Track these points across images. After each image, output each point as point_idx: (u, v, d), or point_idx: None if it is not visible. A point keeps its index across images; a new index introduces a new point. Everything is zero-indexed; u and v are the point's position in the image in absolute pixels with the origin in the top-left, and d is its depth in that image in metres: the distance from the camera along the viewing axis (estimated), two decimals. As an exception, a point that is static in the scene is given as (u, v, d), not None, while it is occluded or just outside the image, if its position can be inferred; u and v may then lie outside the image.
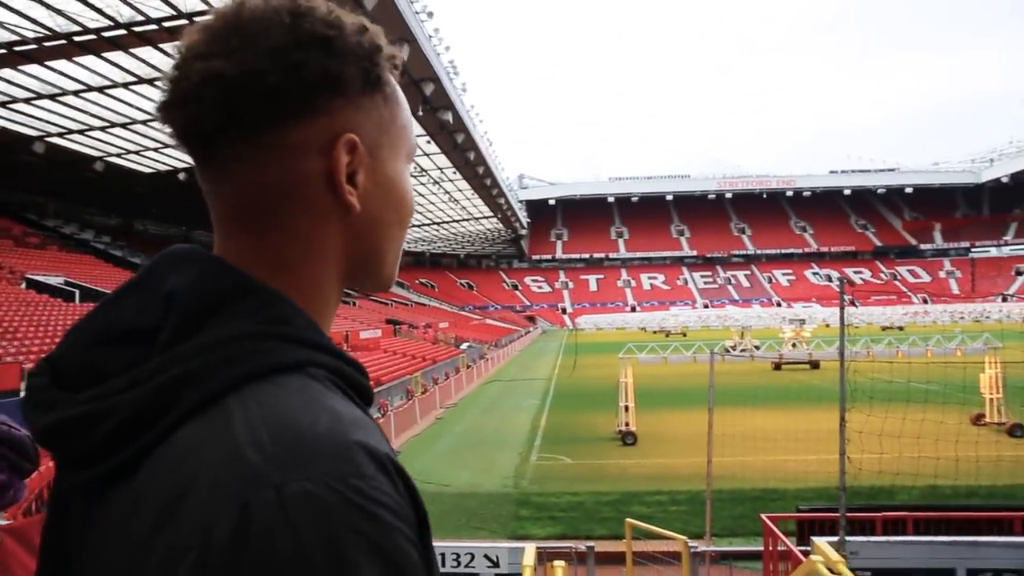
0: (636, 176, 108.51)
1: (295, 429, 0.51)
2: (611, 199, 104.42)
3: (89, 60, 20.69)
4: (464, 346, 46.00)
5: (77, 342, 0.61)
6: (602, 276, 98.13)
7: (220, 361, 0.55)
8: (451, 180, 43.96)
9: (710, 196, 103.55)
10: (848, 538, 4.95)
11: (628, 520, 8.07)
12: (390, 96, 0.70)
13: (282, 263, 0.65)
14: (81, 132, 27.26)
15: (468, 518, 11.48)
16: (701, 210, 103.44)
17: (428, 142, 33.90)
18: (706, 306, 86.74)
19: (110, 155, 30.81)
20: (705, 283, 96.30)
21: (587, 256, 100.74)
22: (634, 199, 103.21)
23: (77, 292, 24.40)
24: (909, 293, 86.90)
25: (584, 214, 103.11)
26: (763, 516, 7.92)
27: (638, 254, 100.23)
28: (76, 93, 23.15)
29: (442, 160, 38.22)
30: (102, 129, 27.22)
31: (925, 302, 79.77)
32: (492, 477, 14.23)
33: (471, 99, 35.24)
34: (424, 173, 41.03)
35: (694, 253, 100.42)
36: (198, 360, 0.55)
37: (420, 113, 28.76)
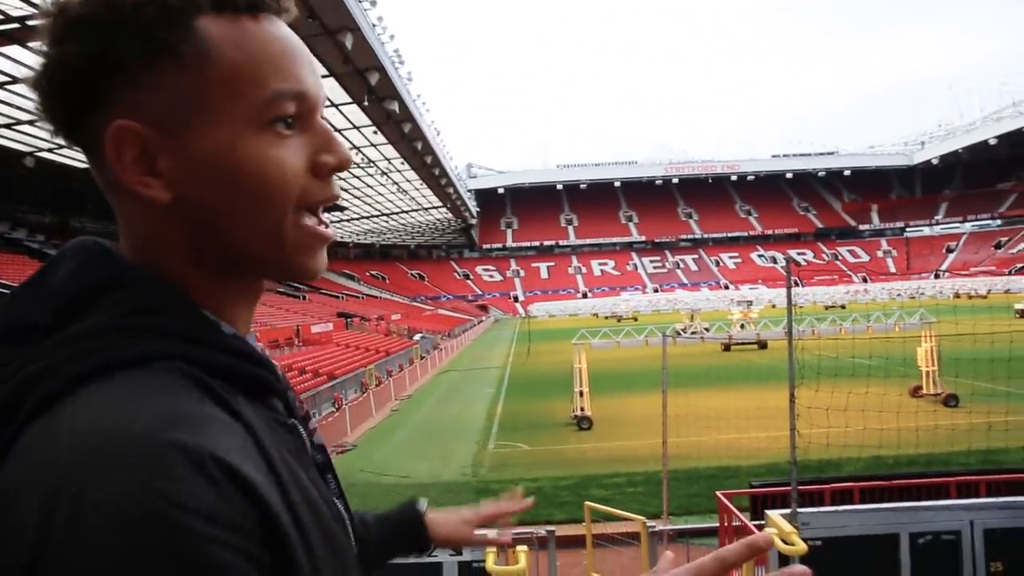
0: (584, 163, 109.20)
1: (107, 432, 0.48)
2: (560, 187, 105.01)
3: (12, 50, 19.82)
4: (417, 337, 45.79)
5: None
6: (553, 263, 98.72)
7: (68, 358, 0.54)
8: (399, 171, 43.60)
9: (657, 182, 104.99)
10: (799, 510, 5.14)
11: (587, 503, 8.18)
12: (194, 57, 0.59)
13: (144, 254, 0.64)
14: (7, 127, 26.15)
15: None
16: (649, 196, 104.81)
17: (375, 132, 33.54)
18: (656, 290, 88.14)
19: (41, 150, 29.65)
20: (654, 268, 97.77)
21: (537, 244, 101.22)
22: (583, 186, 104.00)
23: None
24: (849, 272, 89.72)
25: (533, 202, 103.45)
26: (717, 493, 8.12)
27: (588, 240, 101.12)
28: (1, 85, 22.21)
29: (389, 151, 37.86)
30: (30, 123, 26.16)
31: (865, 281, 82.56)
32: (451, 466, 14.26)
33: (417, 88, 34.95)
34: (372, 164, 40.59)
35: (643, 238, 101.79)
36: (55, 355, 0.54)
37: (366, 103, 28.45)
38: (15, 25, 18.08)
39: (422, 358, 37.87)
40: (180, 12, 0.59)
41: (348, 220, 61.82)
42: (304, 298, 51.58)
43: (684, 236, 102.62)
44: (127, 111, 0.59)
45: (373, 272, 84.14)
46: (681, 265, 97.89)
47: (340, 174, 0.70)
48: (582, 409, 17.41)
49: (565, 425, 17.56)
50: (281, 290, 51.89)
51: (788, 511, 5.16)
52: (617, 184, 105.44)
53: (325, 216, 0.69)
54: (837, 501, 6.77)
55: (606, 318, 60.92)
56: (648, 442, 12.90)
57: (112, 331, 0.56)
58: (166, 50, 0.59)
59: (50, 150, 29.93)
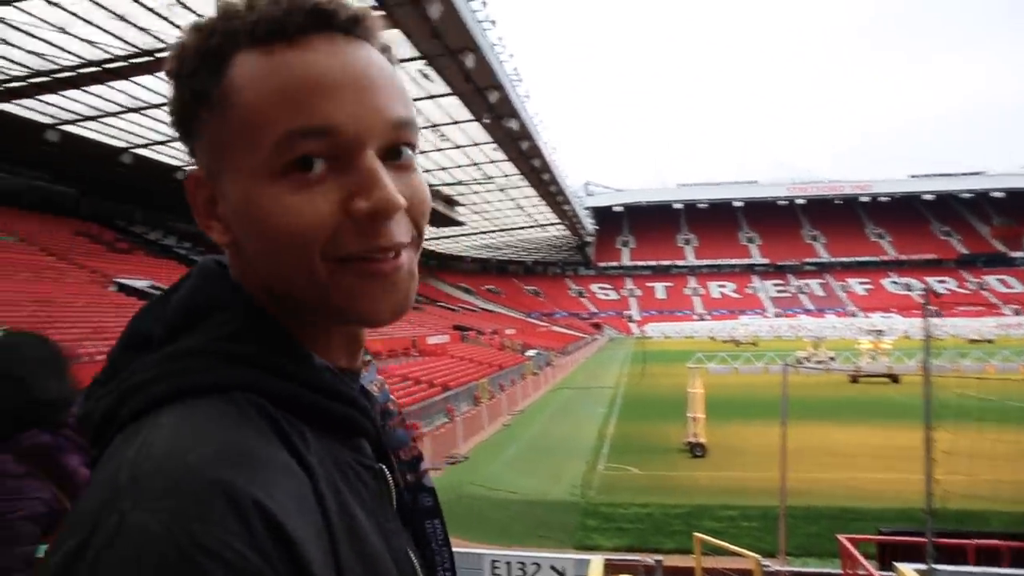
0: (704, 182, 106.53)
1: (164, 459, 0.48)
2: (678, 206, 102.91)
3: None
4: (531, 353, 45.96)
5: (115, 345, 0.64)
6: (670, 284, 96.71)
7: (160, 375, 0.56)
8: (517, 187, 44.11)
9: (780, 202, 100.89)
10: (936, 566, 4.70)
11: (697, 535, 7.91)
12: (220, 102, 0.58)
13: (242, 280, 0.64)
14: (164, 143, 28.47)
15: (535, 526, 11.45)
16: (771, 217, 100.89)
17: (495, 149, 34.13)
18: (778, 315, 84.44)
19: (190, 164, 32.09)
20: (777, 291, 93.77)
21: (654, 263, 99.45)
22: (701, 205, 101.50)
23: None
24: (999, 303, 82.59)
25: (651, 221, 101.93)
26: (840, 537, 7.65)
27: (706, 261, 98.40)
28: (159, 107, 24.23)
29: (508, 167, 38.38)
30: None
31: (1017, 314, 75.68)
32: (559, 485, 14.17)
33: (535, 106, 35.32)
34: (490, 180, 41.32)
35: (765, 261, 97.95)
36: (153, 371, 0.56)
37: (486, 121, 28.98)
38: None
39: (535, 374, 37.95)
40: (215, 56, 0.58)
41: (465, 235, 63.08)
42: (422, 309, 52.99)
43: (809, 259, 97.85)
44: (197, 156, 0.62)
45: (489, 287, 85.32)
46: (805, 290, 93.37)
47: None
48: (696, 436, 16.89)
49: (678, 451, 17.09)
50: (400, 301, 53.52)
51: (923, 567, 4.73)
52: (738, 204, 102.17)
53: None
54: (982, 561, 6.15)
55: (724, 342, 59.00)
56: (765, 475, 12.31)
57: (205, 354, 0.57)
58: (203, 97, 0.59)
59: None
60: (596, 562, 6.00)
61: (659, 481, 14.40)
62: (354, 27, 0.60)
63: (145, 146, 28.58)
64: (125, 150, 28.45)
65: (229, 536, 0.45)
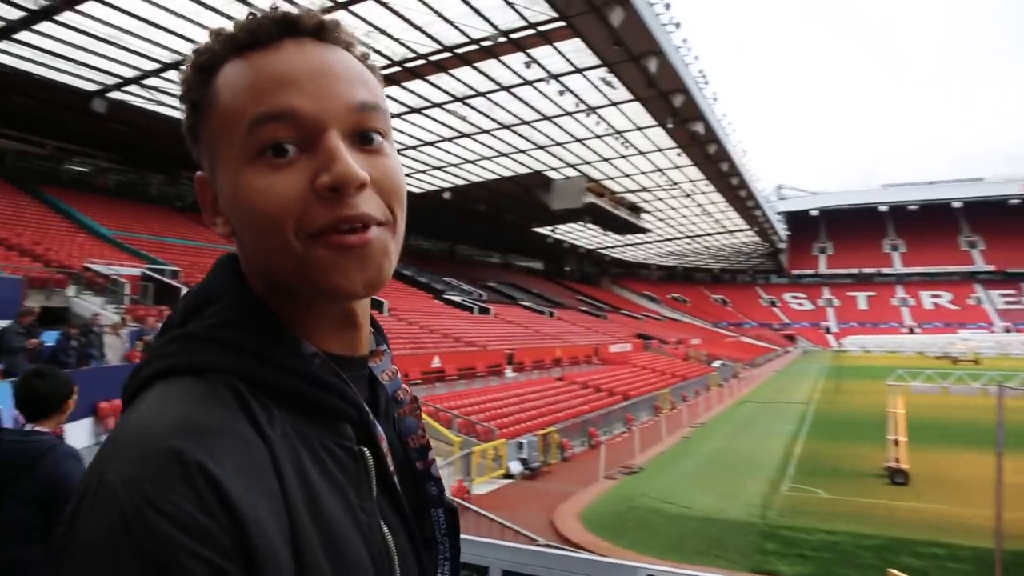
0: (915, 182, 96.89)
1: (136, 429, 0.56)
2: (884, 208, 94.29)
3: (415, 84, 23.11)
4: (716, 364, 44.41)
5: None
6: (873, 293, 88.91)
7: (156, 357, 0.65)
8: (703, 192, 42.71)
9: (1012, 201, 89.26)
10: None
11: (893, 571, 7.17)
12: (208, 106, 0.66)
13: (246, 271, 0.71)
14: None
15: (708, 545, 10.97)
16: (999, 218, 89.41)
17: (679, 154, 33.32)
18: (1007, 330, 74.69)
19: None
20: (1006, 303, 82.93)
21: (855, 271, 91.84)
22: (912, 208, 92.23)
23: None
24: None
25: (852, 226, 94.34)
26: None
27: (917, 269, 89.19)
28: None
29: (693, 172, 37.28)
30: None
31: None
32: (737, 504, 13.48)
33: (723, 108, 34.03)
34: (675, 186, 40.37)
35: (991, 268, 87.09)
36: (154, 353, 0.66)
37: (670, 125, 28.37)
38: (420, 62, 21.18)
39: (720, 386, 36.64)
40: (205, 68, 0.67)
41: (651, 242, 62.12)
42: (605, 317, 52.91)
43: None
44: (202, 163, 0.70)
45: (675, 295, 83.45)
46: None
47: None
48: (897, 460, 15.39)
49: (874, 476, 15.65)
50: (584, 309, 53.89)
51: None
52: (957, 205, 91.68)
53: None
54: None
55: (936, 358, 53.12)
56: (980, 511, 10.94)
57: (195, 339, 0.65)
58: (198, 106, 0.68)
59: (409, 174, 34.56)
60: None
61: (850, 507, 13.23)
62: (321, 32, 0.68)
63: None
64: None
65: (176, 496, 0.51)
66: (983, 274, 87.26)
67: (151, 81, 20.59)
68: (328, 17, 0.69)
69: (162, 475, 0.52)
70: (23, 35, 17.93)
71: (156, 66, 19.74)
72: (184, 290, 18.34)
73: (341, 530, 0.61)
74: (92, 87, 21.47)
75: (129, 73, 20.21)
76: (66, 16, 16.86)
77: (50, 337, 9.93)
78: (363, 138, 0.66)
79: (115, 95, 21.85)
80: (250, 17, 0.67)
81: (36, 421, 2.60)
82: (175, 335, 0.67)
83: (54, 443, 2.43)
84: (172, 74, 19.89)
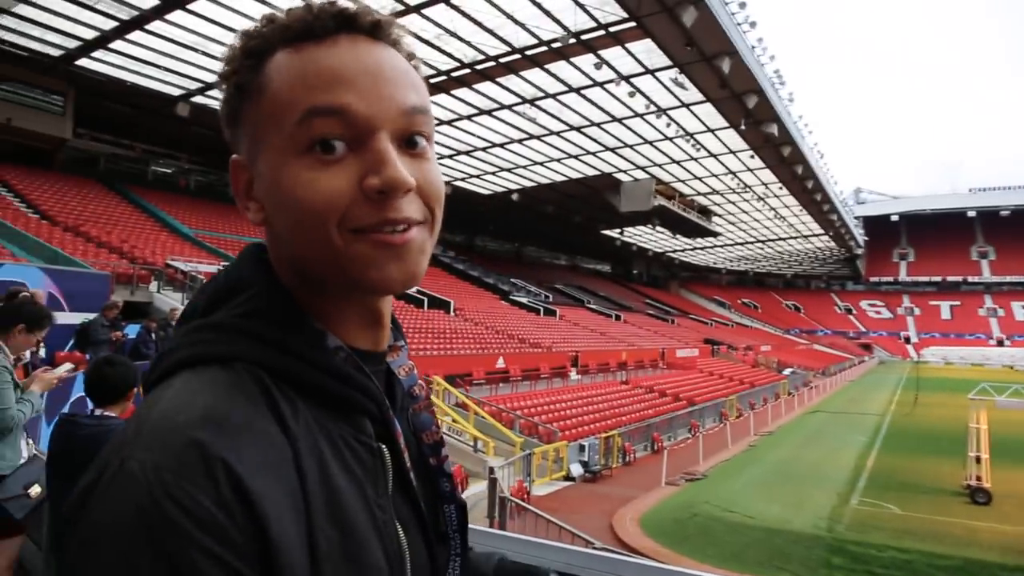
0: (1006, 186, 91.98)
1: (160, 418, 0.56)
2: (972, 213, 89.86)
3: (440, 98, 23.58)
4: (787, 372, 43.27)
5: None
6: (958, 303, 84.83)
7: (183, 344, 0.66)
8: (776, 196, 41.58)
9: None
10: None
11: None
12: (257, 93, 0.66)
13: (274, 261, 0.72)
14: (449, 158, 31.08)
15: (771, 556, 10.72)
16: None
17: (751, 156, 32.56)
18: (1109, 345, 70.16)
19: (456, 179, 34.78)
20: (1104, 315, 78.07)
21: (939, 279, 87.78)
22: (1004, 213, 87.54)
23: (425, 300, 27.83)
24: None
25: (935, 231, 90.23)
26: None
27: (1008, 278, 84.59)
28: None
29: (766, 175, 36.34)
30: (450, 156, 30.83)
31: None
32: (803, 515, 13.10)
33: (799, 109, 33.04)
34: (748, 189, 39.48)
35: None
36: (178, 341, 0.67)
37: (743, 127, 27.76)
38: (490, 64, 21.48)
39: (790, 394, 35.68)
40: (255, 53, 0.67)
41: (721, 246, 60.92)
42: (673, 322, 52.21)
43: None
44: (240, 146, 0.70)
45: (745, 300, 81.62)
46: None
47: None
48: (978, 479, 14.69)
49: (953, 494, 14.97)
50: (651, 312, 53.28)
51: None
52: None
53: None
54: None
55: (1027, 373, 50.52)
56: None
57: (221, 328, 0.66)
58: (244, 90, 0.67)
59: (463, 179, 34.98)
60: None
61: (925, 525, 12.71)
62: (376, 31, 0.68)
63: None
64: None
65: (195, 489, 0.51)
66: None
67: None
68: (383, 15, 0.69)
69: (184, 467, 0.52)
70: (116, 44, 18.94)
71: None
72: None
73: (359, 529, 0.62)
74: (176, 92, 22.54)
75: (211, 78, 21.07)
76: (155, 25, 17.73)
77: (133, 330, 10.42)
78: (409, 142, 0.67)
79: (198, 99, 22.87)
80: (306, 7, 0.67)
81: (104, 407, 2.77)
82: (201, 323, 0.67)
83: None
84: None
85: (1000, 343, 74.05)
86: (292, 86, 0.64)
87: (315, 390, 0.65)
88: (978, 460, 14.89)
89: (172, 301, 15.55)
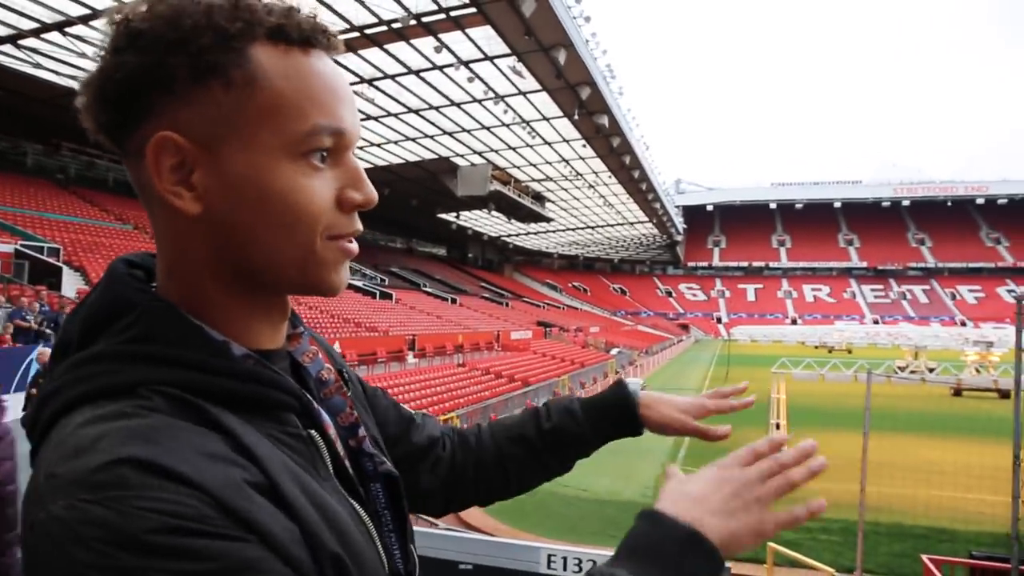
0: (802, 182, 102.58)
1: (72, 456, 0.53)
2: (773, 205, 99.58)
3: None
4: (614, 351, 45.61)
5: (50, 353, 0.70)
6: (761, 286, 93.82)
7: (70, 382, 0.61)
8: (606, 184, 43.76)
9: (884, 203, 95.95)
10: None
11: (770, 544, 7.67)
12: (239, 81, 0.63)
13: (167, 268, 0.68)
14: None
15: (605, 525, 11.37)
16: (873, 219, 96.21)
17: (584, 146, 33.97)
18: (876, 322, 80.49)
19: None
20: (876, 297, 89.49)
21: (746, 264, 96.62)
22: (798, 206, 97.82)
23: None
24: None
25: (744, 221, 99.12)
26: (925, 557, 7.28)
27: (801, 264, 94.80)
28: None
29: (597, 164, 38.12)
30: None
31: None
32: (632, 485, 14.02)
33: (627, 103, 34.86)
34: (579, 176, 41.17)
35: (864, 264, 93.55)
36: (64, 378, 0.62)
37: (576, 117, 28.86)
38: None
39: (617, 373, 37.63)
40: (236, 38, 0.63)
41: (553, 231, 63.09)
42: (507, 305, 53.34)
43: (914, 264, 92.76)
44: (170, 124, 0.62)
45: (575, 283, 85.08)
46: (908, 296, 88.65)
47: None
48: (779, 443, 16.36)
49: (758, 458, 16.58)
50: (486, 296, 54.15)
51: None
52: (837, 205, 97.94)
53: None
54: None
55: (815, 347, 56.74)
56: (849, 487, 11.79)
57: (108, 358, 0.62)
58: (217, 72, 0.62)
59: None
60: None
61: (736, 488, 14.00)
62: (335, 48, 0.70)
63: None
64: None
65: (152, 492, 0.50)
66: (857, 270, 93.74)
67: (29, 42, 19.13)
68: (336, 31, 0.71)
69: (126, 481, 0.50)
70: None
71: (35, 26, 18.31)
72: (66, 270, 17.29)
73: (325, 500, 0.63)
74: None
75: (3, 32, 18.73)
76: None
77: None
78: None
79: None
80: (287, 9, 0.66)
81: None
82: (84, 356, 0.63)
83: None
84: (54, 36, 18.54)
85: (794, 322, 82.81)
86: (299, 96, 0.65)
87: (230, 398, 0.63)
88: (778, 427, 16.60)
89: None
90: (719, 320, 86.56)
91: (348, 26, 19.67)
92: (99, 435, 0.54)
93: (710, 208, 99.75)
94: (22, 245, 17.17)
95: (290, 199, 0.64)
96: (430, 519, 10.13)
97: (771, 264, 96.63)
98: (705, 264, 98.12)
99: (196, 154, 0.63)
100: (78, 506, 0.49)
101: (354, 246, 0.71)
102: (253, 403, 0.65)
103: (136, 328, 0.63)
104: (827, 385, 29.74)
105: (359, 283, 37.38)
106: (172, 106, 0.62)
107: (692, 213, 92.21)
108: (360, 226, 0.71)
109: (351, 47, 20.98)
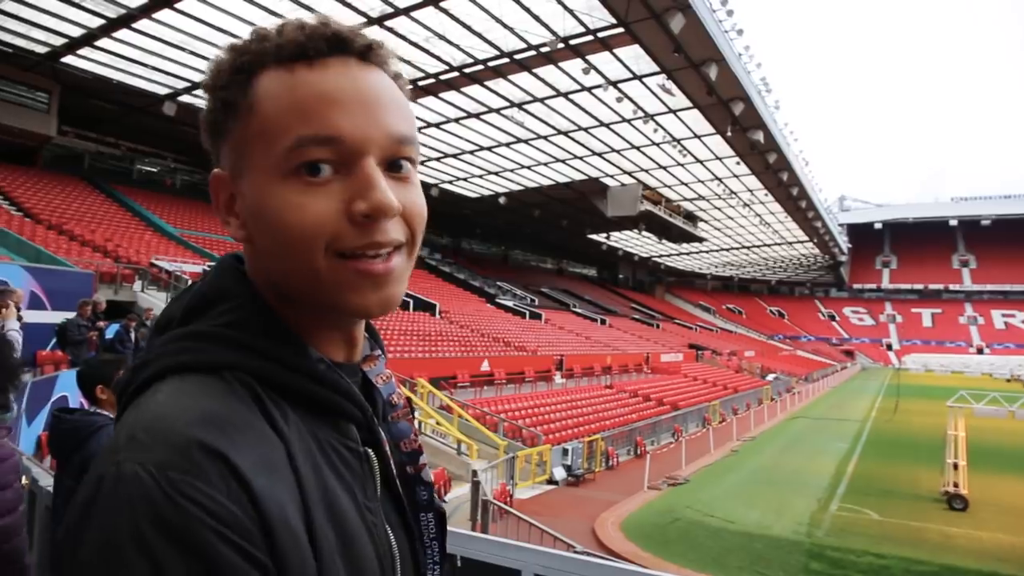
0: (988, 196, 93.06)
1: (155, 421, 0.56)
2: (954, 222, 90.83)
3: (428, 101, 23.62)
4: (770, 377, 43.53)
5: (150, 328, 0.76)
6: (940, 311, 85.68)
7: (165, 353, 0.65)
8: (762, 202, 41.88)
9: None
10: None
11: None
12: (243, 111, 0.66)
13: (252, 275, 0.72)
14: (422, 163, 31.09)
15: (751, 561, 10.80)
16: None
17: (737, 163, 32.77)
18: (1082, 353, 71.12)
19: (443, 182, 34.80)
20: (1083, 325, 79.11)
21: (921, 287, 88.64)
22: (985, 222, 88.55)
23: (411, 302, 27.79)
24: None
25: (918, 240, 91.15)
26: None
27: (989, 287, 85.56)
28: (420, 130, 26.48)
29: (752, 181, 36.60)
30: (438, 159, 30.84)
31: None
32: (783, 521, 13.21)
33: (784, 117, 33.27)
34: (733, 195, 39.75)
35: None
36: (158, 350, 0.66)
37: (729, 134, 27.95)
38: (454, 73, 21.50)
39: (772, 400, 35.89)
40: (243, 70, 0.67)
41: (707, 252, 61.22)
42: (658, 326, 52.40)
43: None
44: (223, 160, 0.70)
45: (730, 305, 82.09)
46: (1123, 325, 77.68)
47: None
48: (956, 485, 14.86)
49: (931, 500, 15.14)
50: (636, 317, 53.45)
51: None
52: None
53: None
54: None
55: (1007, 380, 51.11)
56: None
57: (204, 337, 0.66)
58: (231, 106, 0.68)
59: (451, 182, 34.99)
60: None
61: (903, 531, 12.84)
62: (368, 53, 0.69)
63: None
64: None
65: (206, 484, 0.52)
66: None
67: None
68: (373, 38, 0.70)
69: (189, 464, 0.53)
70: (103, 42, 18.81)
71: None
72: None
73: (353, 528, 0.64)
74: (163, 91, 22.41)
75: (198, 77, 20.96)
76: (142, 23, 17.63)
77: (113, 330, 10.36)
78: (393, 165, 0.68)
79: (184, 99, 22.73)
80: (298, 27, 0.68)
81: (94, 405, 2.81)
82: (182, 332, 0.68)
83: (106, 423, 2.60)
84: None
85: (980, 351, 74.87)
86: (283, 111, 0.64)
87: (302, 397, 0.66)
88: (955, 467, 15.06)
89: (156, 300, 15.47)
90: (889, 347, 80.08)
91: (498, 52, 20.24)
92: (176, 407, 0.58)
93: (878, 226, 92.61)
94: (209, 266, 19.02)
95: (283, 219, 0.64)
96: (568, 540, 10.08)
97: (951, 287, 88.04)
98: (873, 286, 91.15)
99: (232, 185, 0.69)
100: (141, 475, 0.52)
101: (378, 264, 0.66)
102: (322, 407, 0.68)
103: (231, 315, 0.68)
104: (1017, 423, 26.67)
105: (509, 303, 38.11)
106: (220, 143, 0.70)
107: (858, 232, 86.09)
108: (384, 236, 0.66)
109: (500, 73, 21.62)
